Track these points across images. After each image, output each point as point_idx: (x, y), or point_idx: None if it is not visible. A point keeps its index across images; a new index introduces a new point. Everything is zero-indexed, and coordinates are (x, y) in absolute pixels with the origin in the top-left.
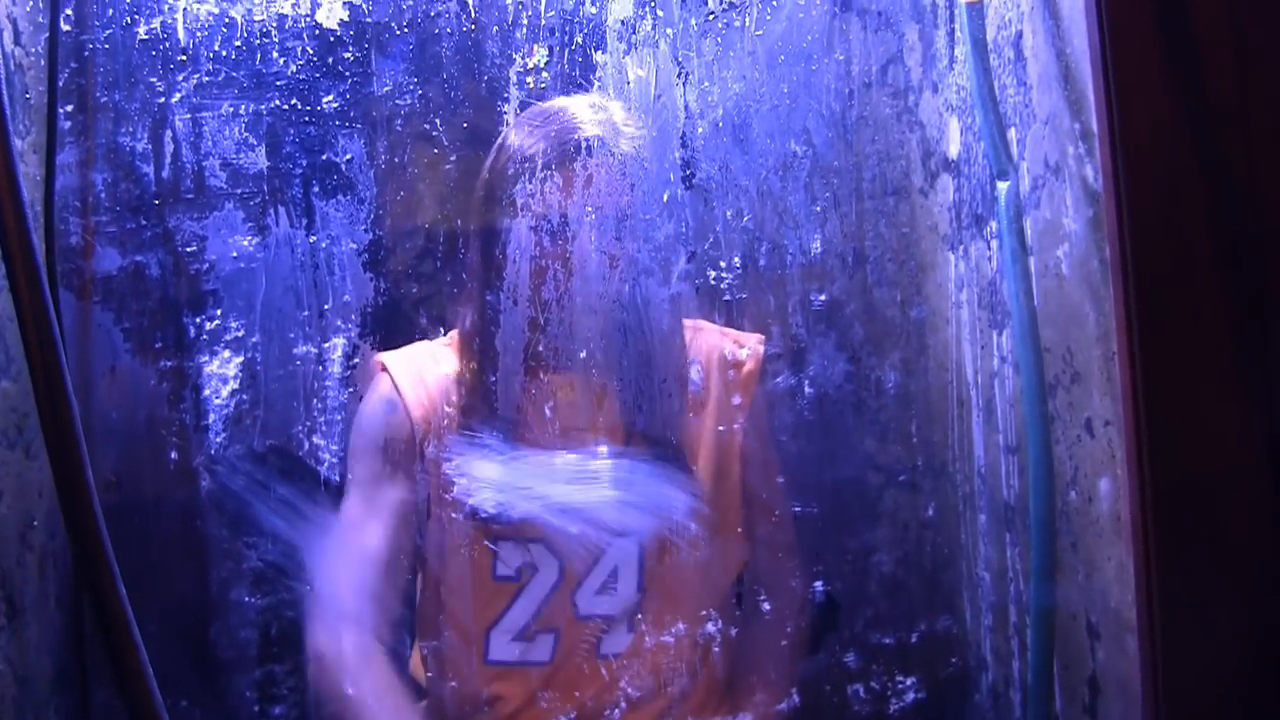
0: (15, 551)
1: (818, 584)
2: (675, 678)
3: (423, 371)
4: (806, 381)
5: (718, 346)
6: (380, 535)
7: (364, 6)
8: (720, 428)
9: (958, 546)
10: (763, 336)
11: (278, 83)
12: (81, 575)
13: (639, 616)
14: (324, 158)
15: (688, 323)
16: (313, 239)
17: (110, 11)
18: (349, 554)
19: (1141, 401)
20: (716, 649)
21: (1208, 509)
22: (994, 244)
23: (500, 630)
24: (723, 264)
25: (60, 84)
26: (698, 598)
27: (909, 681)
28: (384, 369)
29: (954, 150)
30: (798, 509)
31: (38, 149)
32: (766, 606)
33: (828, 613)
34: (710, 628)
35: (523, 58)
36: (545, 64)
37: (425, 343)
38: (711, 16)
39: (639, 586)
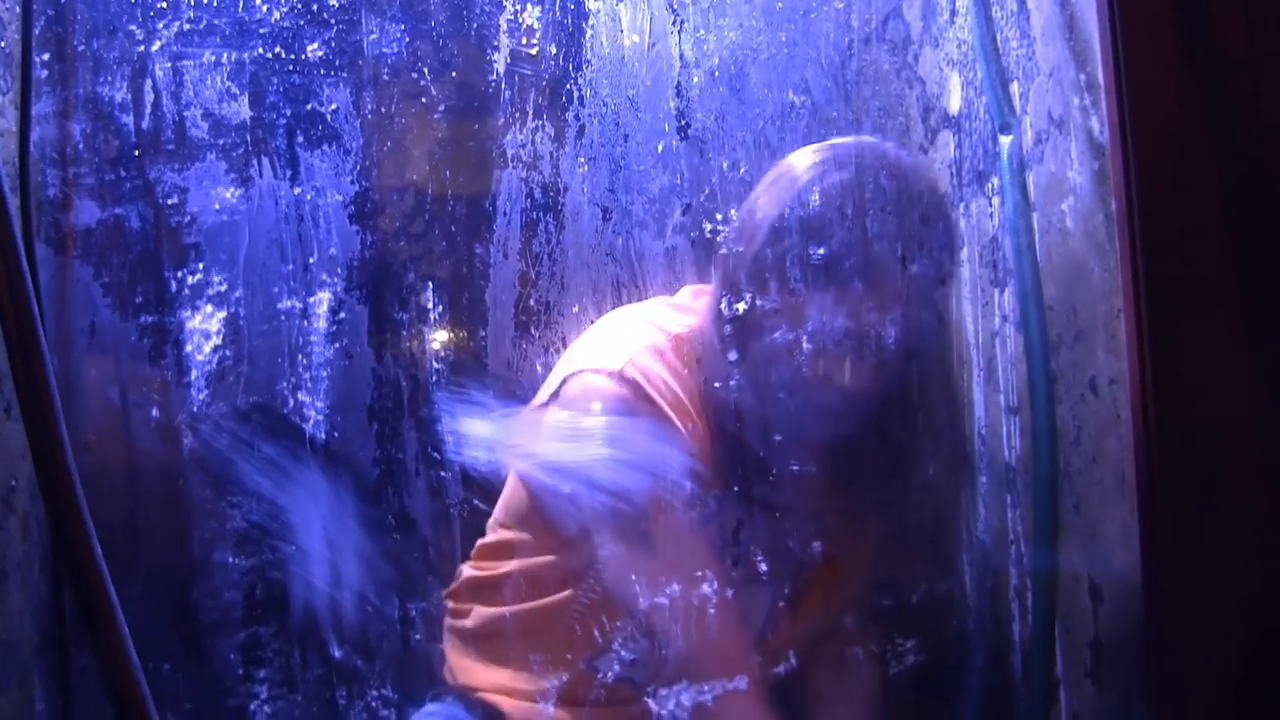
0: None
1: (816, 545)
2: None
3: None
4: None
5: None
6: None
7: None
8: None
9: (958, 508)
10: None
11: (261, 30)
12: (57, 539)
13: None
14: (309, 108)
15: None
16: (297, 191)
17: None
18: None
19: (1147, 359)
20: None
21: (1213, 468)
22: (995, 200)
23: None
24: (719, 216)
25: (36, 32)
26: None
27: (905, 647)
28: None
29: (955, 106)
30: (795, 468)
31: (14, 99)
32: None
33: None
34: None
35: (513, 4)
36: (536, 14)
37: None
38: None
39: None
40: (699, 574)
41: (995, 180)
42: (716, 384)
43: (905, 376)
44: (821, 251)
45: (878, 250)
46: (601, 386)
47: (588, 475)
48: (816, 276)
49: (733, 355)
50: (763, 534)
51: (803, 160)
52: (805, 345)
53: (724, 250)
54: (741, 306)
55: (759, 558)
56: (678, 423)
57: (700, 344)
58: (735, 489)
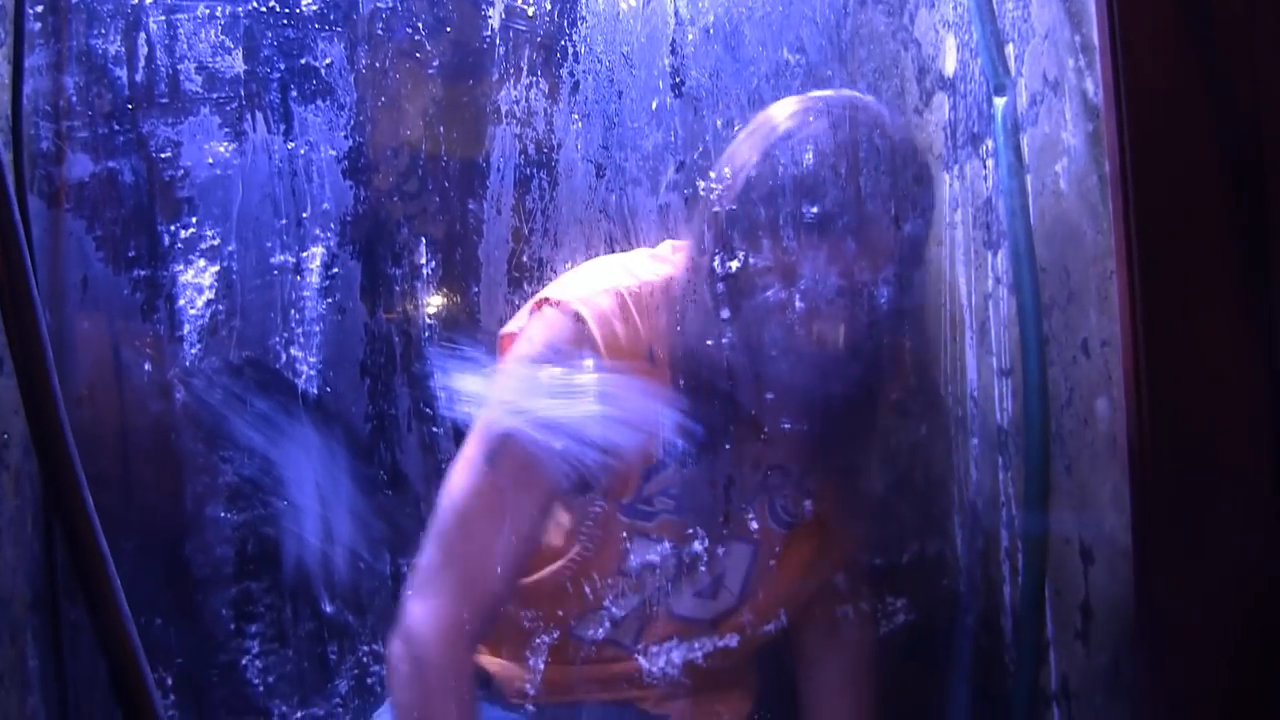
0: None
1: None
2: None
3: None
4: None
5: None
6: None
7: None
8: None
9: (949, 471)
10: None
11: None
12: (50, 493)
13: (727, 620)
14: (302, 62)
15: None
16: (291, 145)
17: None
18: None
19: (1140, 320)
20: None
21: (1205, 430)
22: (990, 163)
23: (599, 614)
24: (712, 174)
25: None
26: (793, 603)
27: (895, 606)
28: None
29: (950, 68)
30: (787, 426)
31: (7, 53)
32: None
33: None
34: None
35: None
36: None
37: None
38: None
39: (741, 595)
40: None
41: (989, 142)
42: (681, 331)
43: (872, 329)
44: (794, 203)
45: (855, 202)
46: (551, 318)
47: (576, 430)
48: (789, 228)
49: (700, 304)
50: (728, 483)
51: (781, 111)
52: (778, 297)
53: (700, 198)
54: (716, 258)
55: (726, 507)
56: (611, 362)
57: (668, 292)
58: (699, 437)
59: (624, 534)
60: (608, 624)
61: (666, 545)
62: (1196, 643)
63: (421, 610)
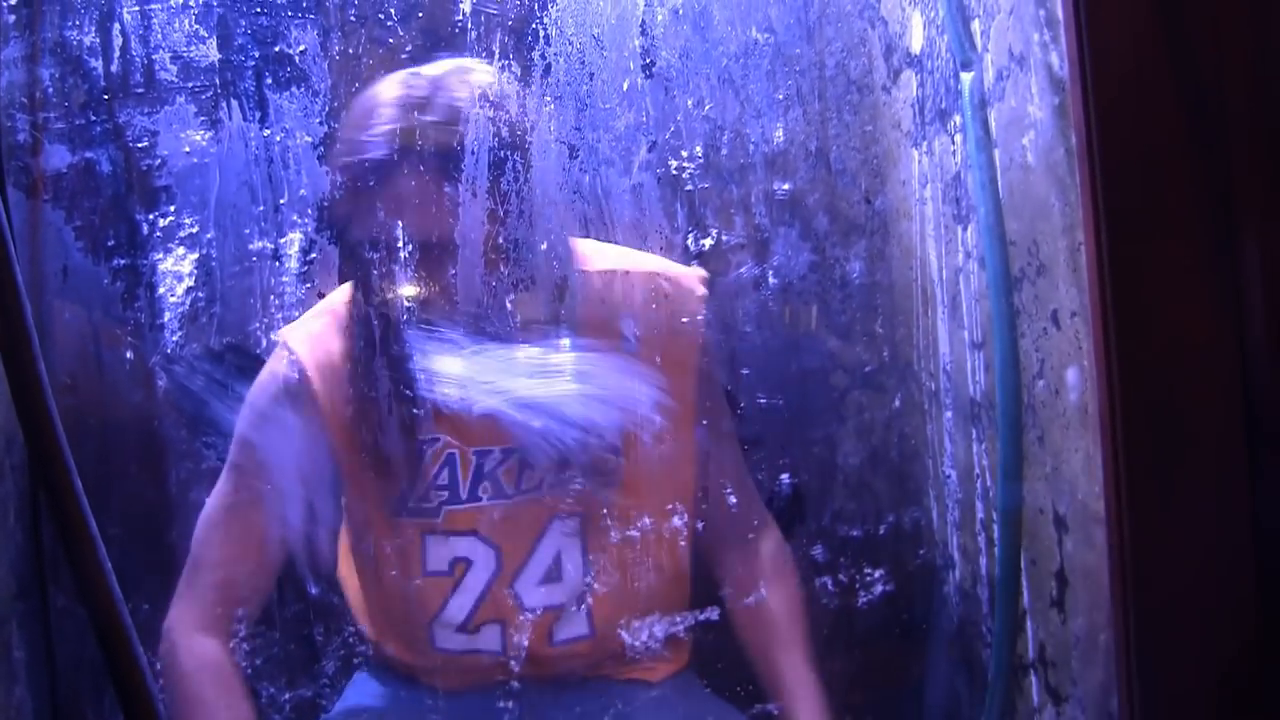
0: None
1: (784, 476)
2: (632, 646)
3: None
4: (770, 272)
5: (652, 291)
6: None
7: None
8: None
9: (923, 443)
10: (703, 274)
11: None
12: (37, 476)
13: (586, 599)
14: (276, 50)
15: (633, 260)
16: (267, 133)
17: None
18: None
19: (1109, 290)
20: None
21: (1175, 397)
22: (958, 138)
23: (441, 624)
24: (684, 153)
25: None
26: (648, 574)
27: (873, 578)
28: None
29: (916, 45)
30: (762, 401)
31: None
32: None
33: (793, 505)
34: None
35: None
36: None
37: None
38: None
39: (585, 571)
40: None
41: (957, 118)
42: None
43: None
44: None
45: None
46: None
47: (558, 410)
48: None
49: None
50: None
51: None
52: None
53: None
54: None
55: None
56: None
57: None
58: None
59: (413, 536)
60: (456, 633)
61: (467, 538)
62: (1172, 608)
63: (174, 609)
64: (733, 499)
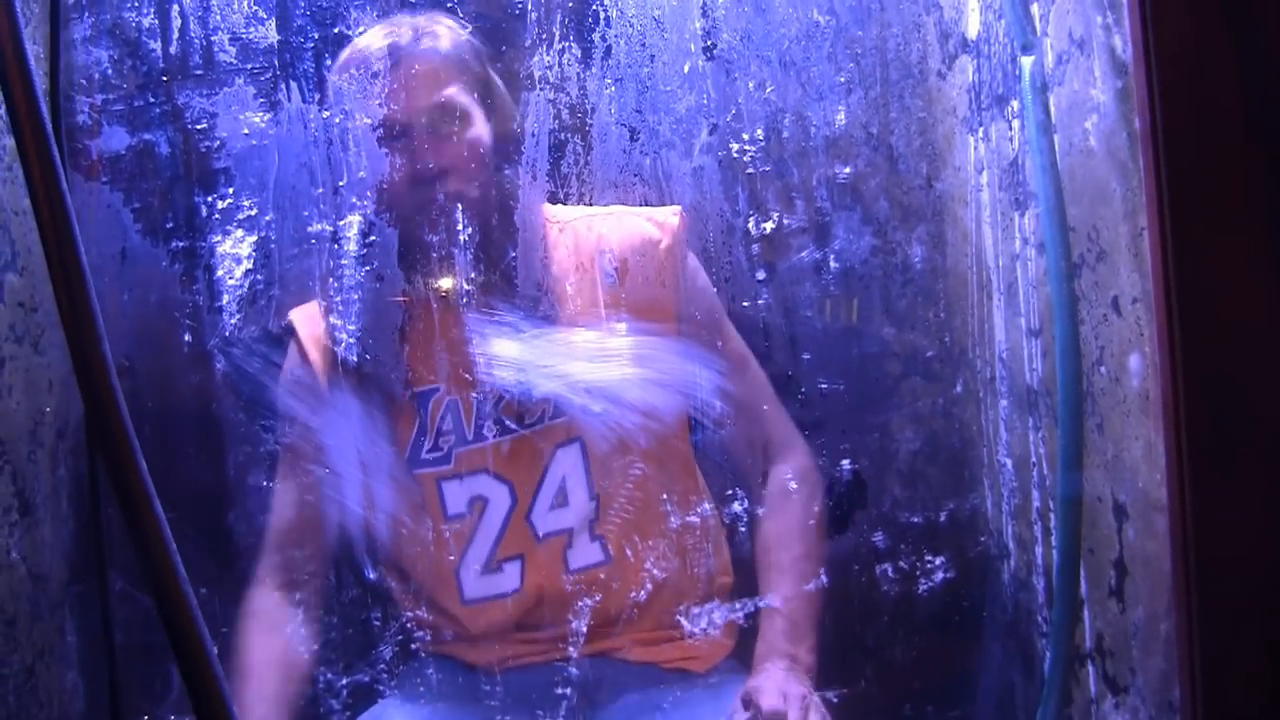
0: (26, 448)
1: (844, 462)
2: (652, 578)
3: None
4: (831, 256)
5: (633, 231)
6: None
7: None
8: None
9: (979, 431)
10: (678, 208)
11: None
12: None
13: (597, 524)
14: (336, 30)
15: (603, 210)
16: (326, 115)
17: None
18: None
19: (1172, 276)
20: (699, 531)
21: (1238, 383)
22: (1015, 124)
23: (467, 567)
24: (745, 136)
25: None
26: (656, 493)
27: (931, 565)
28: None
29: (973, 31)
30: (823, 385)
31: (41, 26)
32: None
33: (854, 490)
34: (681, 516)
35: None
36: None
37: None
38: None
39: (590, 494)
40: None
41: (1015, 104)
42: None
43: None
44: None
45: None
46: None
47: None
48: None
49: None
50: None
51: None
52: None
53: None
54: None
55: None
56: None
57: None
58: None
59: (430, 486)
60: (481, 576)
61: (480, 475)
62: (1235, 596)
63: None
64: (749, 415)
